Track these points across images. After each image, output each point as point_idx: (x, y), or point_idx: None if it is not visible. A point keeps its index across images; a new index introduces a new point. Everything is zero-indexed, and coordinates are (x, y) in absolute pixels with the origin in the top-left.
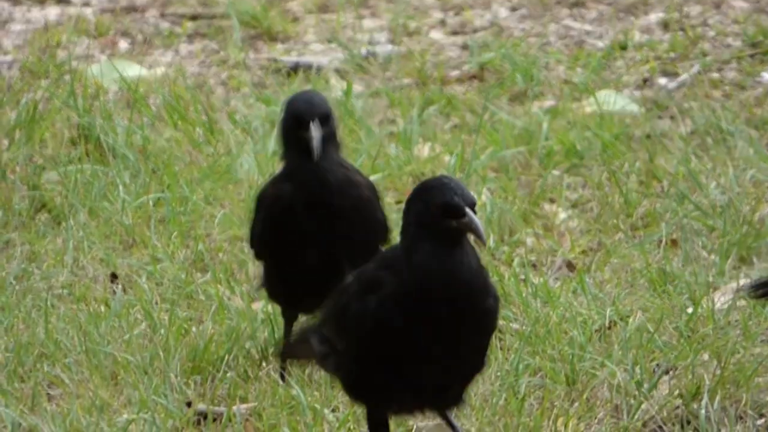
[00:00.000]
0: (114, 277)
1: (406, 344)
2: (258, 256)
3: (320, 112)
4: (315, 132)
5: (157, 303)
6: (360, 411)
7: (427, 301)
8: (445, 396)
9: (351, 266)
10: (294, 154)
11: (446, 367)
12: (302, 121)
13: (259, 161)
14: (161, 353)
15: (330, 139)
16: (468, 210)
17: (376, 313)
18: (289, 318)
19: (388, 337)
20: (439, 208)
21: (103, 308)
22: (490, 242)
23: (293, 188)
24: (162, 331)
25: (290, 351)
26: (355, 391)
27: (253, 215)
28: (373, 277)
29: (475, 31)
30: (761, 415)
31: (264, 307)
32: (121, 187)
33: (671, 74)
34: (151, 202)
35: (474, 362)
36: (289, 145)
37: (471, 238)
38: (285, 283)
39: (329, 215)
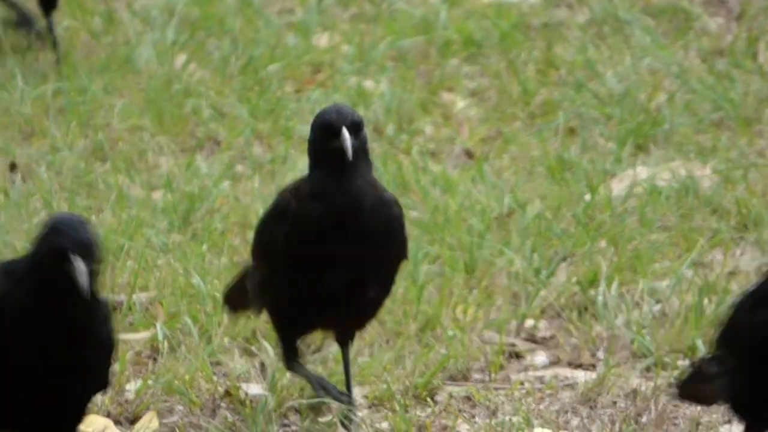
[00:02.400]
0: (13, 166)
1: None
2: (263, 267)
3: (351, 120)
4: (346, 139)
5: (56, 192)
6: None
7: None
8: None
9: (376, 286)
10: (324, 170)
11: None
12: (333, 130)
13: (158, 51)
14: None
15: (362, 153)
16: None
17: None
18: (290, 337)
19: None
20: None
21: (2, 197)
22: (389, 131)
23: (322, 208)
24: None
25: (686, 391)
26: (744, 407)
27: (266, 223)
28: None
29: None
30: (657, 301)
31: (164, 196)
32: (19, 77)
33: None
34: (50, 92)
35: None
36: (318, 159)
37: None
38: (299, 302)
39: (360, 237)
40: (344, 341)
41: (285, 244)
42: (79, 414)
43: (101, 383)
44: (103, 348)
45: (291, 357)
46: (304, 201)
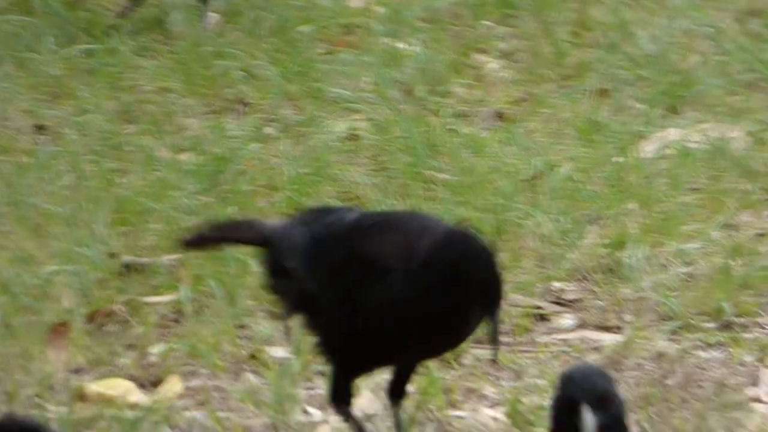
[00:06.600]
0: (40, 127)
1: None
2: None
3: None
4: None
5: (83, 154)
6: None
7: None
8: None
9: None
10: None
11: None
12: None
13: (189, 12)
14: (87, 204)
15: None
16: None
17: None
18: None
19: None
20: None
21: (28, 159)
22: (420, 93)
23: None
24: (88, 182)
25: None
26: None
27: None
28: None
29: None
30: (686, 264)
31: (192, 158)
32: (50, 38)
33: None
34: (79, 53)
35: None
36: None
37: None
38: None
39: None
40: (399, 393)
41: None
42: None
43: None
44: None
45: (341, 398)
46: None
